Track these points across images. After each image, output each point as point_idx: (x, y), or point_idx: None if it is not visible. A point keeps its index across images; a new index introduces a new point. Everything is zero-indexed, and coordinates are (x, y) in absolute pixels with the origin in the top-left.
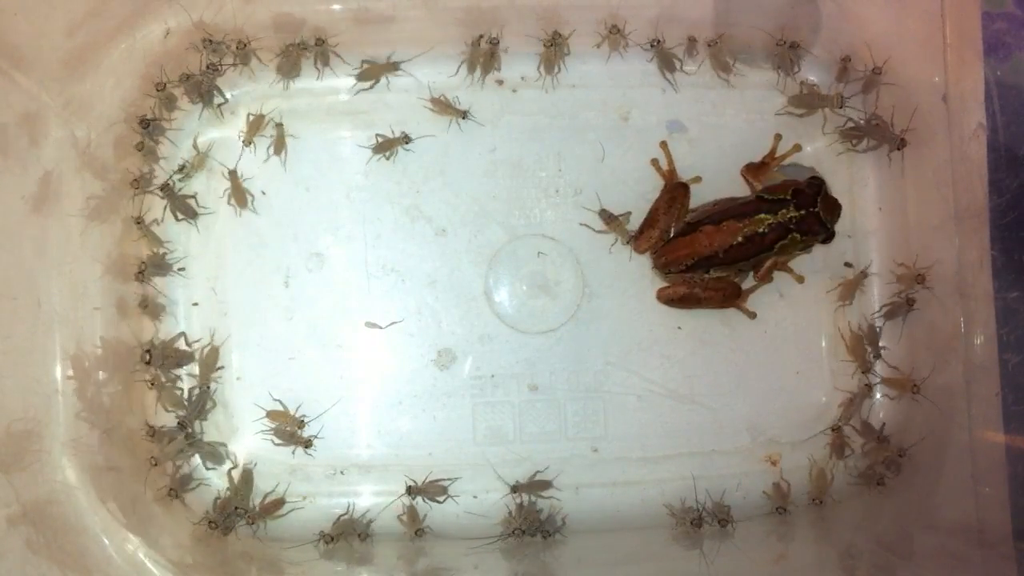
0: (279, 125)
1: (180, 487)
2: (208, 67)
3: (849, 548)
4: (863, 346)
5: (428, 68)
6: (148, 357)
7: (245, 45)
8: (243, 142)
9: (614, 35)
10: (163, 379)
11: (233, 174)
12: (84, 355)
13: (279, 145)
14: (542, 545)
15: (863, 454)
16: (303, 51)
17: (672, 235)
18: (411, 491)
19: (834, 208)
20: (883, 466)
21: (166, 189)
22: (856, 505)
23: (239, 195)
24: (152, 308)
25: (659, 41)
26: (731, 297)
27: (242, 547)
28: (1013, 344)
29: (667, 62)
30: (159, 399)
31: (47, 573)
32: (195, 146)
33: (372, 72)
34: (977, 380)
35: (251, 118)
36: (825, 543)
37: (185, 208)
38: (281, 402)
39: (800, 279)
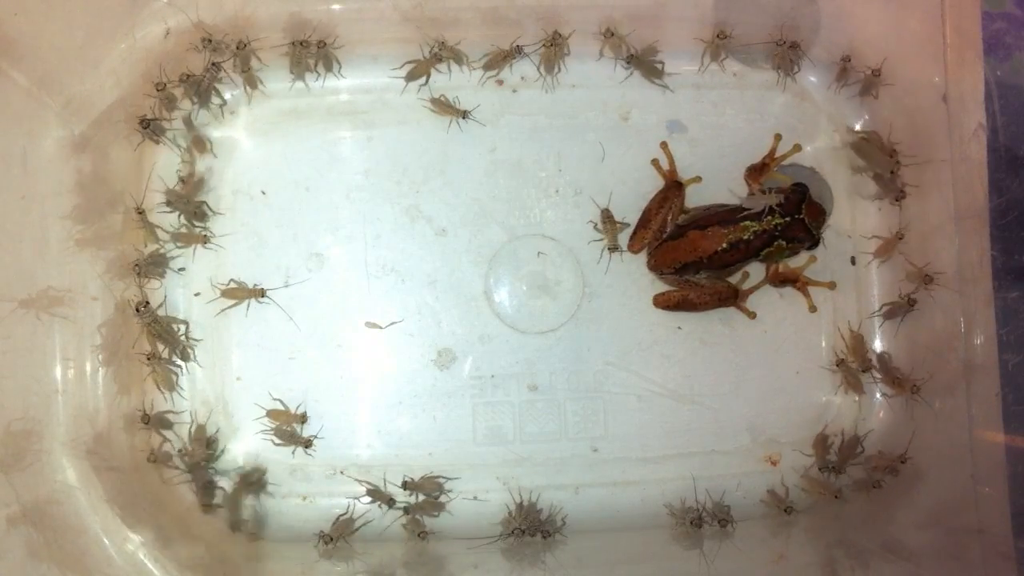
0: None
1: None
2: (212, 65)
3: (849, 548)
4: (864, 345)
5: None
6: (143, 307)
7: (245, 45)
8: (184, 163)
9: (610, 39)
10: (157, 347)
11: (240, 50)
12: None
13: (251, 81)
14: (542, 545)
15: (865, 465)
16: (306, 50)
17: (665, 236)
18: (407, 486)
19: (819, 214)
20: (883, 472)
21: (173, 195)
22: (856, 505)
23: (250, 80)
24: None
25: (632, 55)
26: (727, 299)
27: (242, 547)
28: (1013, 344)
29: (650, 71)
30: (153, 379)
31: (47, 573)
32: (177, 144)
33: (420, 70)
34: (977, 380)
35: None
36: (825, 543)
37: (199, 214)
38: (281, 401)
39: (832, 285)
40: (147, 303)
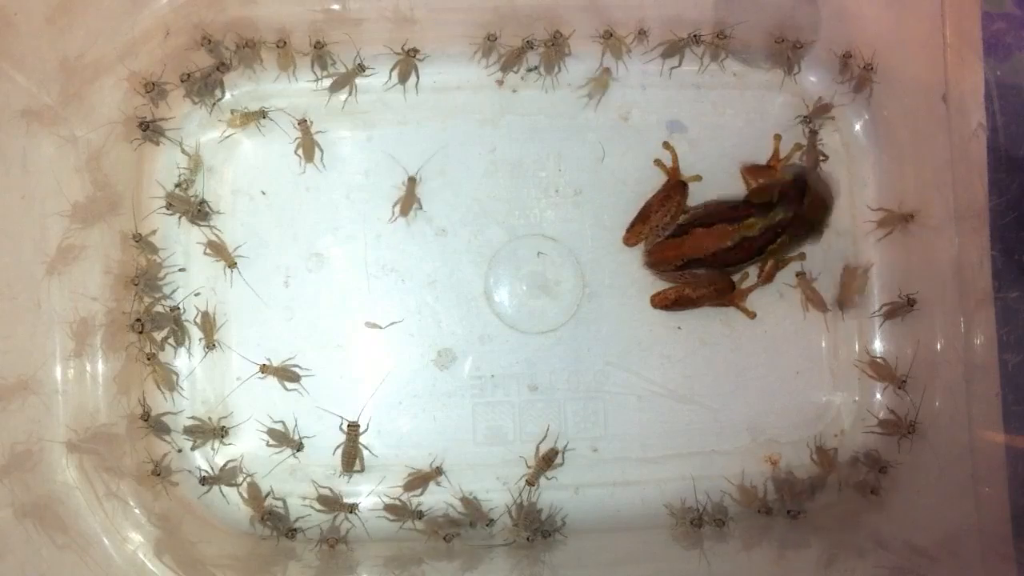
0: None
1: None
2: (220, 66)
3: (848, 548)
4: (865, 278)
5: (428, 68)
6: (140, 327)
7: (245, 46)
8: (229, 124)
9: (609, 39)
10: (154, 351)
11: (304, 125)
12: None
13: (247, 59)
14: (542, 545)
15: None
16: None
17: (667, 234)
18: (264, 369)
19: (819, 205)
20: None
21: (173, 197)
22: (856, 505)
23: (308, 149)
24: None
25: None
26: (724, 291)
27: (242, 547)
28: (1013, 344)
29: (673, 52)
30: (154, 378)
31: (47, 573)
32: (184, 151)
33: (405, 68)
34: (977, 380)
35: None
36: (824, 543)
37: (201, 214)
38: (283, 423)
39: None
40: (140, 320)
